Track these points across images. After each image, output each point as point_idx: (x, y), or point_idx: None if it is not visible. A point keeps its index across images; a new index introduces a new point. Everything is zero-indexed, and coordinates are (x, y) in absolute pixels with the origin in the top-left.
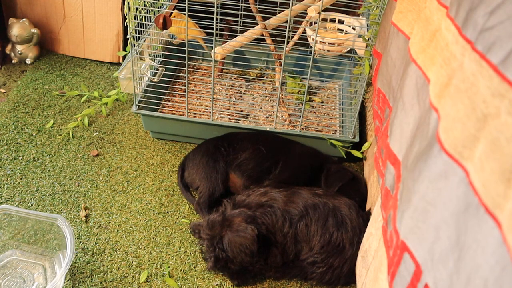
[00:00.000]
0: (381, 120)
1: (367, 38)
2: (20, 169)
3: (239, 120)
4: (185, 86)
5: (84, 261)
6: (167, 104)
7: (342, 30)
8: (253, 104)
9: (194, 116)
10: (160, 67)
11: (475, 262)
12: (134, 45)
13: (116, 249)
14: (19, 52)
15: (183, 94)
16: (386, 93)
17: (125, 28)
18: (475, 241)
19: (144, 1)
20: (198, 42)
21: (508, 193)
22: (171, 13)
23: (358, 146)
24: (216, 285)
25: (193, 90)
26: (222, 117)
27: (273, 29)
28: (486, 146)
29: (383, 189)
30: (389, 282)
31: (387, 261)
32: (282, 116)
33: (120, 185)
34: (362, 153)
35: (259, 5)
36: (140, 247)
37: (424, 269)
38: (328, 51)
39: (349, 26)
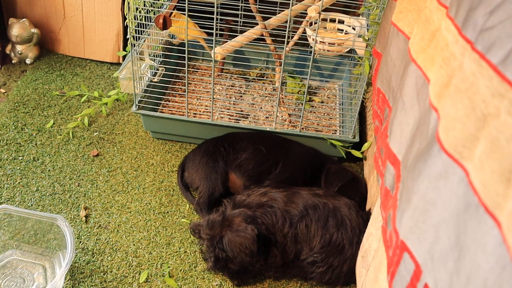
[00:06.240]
0: (380, 120)
1: (367, 38)
2: (20, 169)
3: (239, 120)
4: (185, 86)
5: (84, 261)
6: (167, 104)
7: (342, 30)
8: (253, 104)
9: (194, 116)
10: (160, 67)
11: (475, 262)
12: (134, 45)
13: (116, 249)
14: (19, 52)
15: (183, 94)
16: (385, 93)
17: (125, 28)
18: (475, 241)
19: (144, 1)
20: (198, 42)
21: (508, 193)
22: (171, 13)
23: (358, 146)
24: (216, 285)
25: (193, 90)
26: (222, 117)
27: (273, 29)
28: (486, 146)
29: (383, 189)
30: (389, 281)
31: (387, 261)
32: (282, 116)
33: (120, 185)
34: (362, 153)
35: (259, 5)
36: (140, 247)
37: (424, 269)
38: (328, 51)
39: (349, 26)
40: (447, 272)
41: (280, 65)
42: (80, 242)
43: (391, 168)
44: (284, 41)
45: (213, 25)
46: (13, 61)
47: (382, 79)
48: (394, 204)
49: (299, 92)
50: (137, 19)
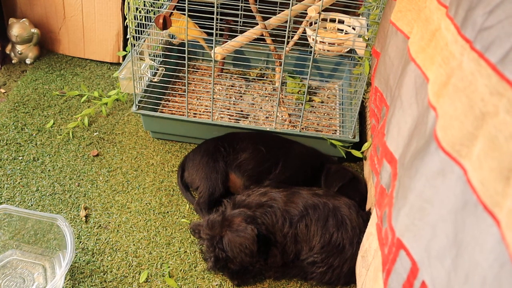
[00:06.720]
0: (377, 118)
1: (367, 38)
2: (20, 169)
3: (239, 120)
4: (185, 86)
5: (84, 261)
6: (167, 104)
7: (342, 30)
8: (253, 104)
9: (194, 116)
10: (160, 67)
11: (473, 259)
12: (134, 45)
13: (116, 249)
14: (19, 52)
15: (183, 94)
16: (383, 91)
17: (125, 28)
18: (473, 238)
19: (144, 1)
20: (198, 42)
21: (507, 191)
22: (171, 13)
23: (358, 146)
24: (216, 285)
25: (193, 90)
26: (222, 117)
27: (273, 29)
28: (484, 144)
29: (378, 187)
30: (384, 279)
31: (382, 258)
32: (282, 116)
33: (120, 185)
34: (362, 153)
35: (259, 5)
36: (140, 247)
37: (421, 266)
38: (328, 51)
39: (349, 26)
40: (445, 269)
41: (280, 65)
42: (80, 242)
43: (388, 167)
44: (284, 41)
45: (213, 25)
46: (13, 61)
47: (380, 78)
48: (390, 202)
49: (299, 92)
50: (137, 19)
